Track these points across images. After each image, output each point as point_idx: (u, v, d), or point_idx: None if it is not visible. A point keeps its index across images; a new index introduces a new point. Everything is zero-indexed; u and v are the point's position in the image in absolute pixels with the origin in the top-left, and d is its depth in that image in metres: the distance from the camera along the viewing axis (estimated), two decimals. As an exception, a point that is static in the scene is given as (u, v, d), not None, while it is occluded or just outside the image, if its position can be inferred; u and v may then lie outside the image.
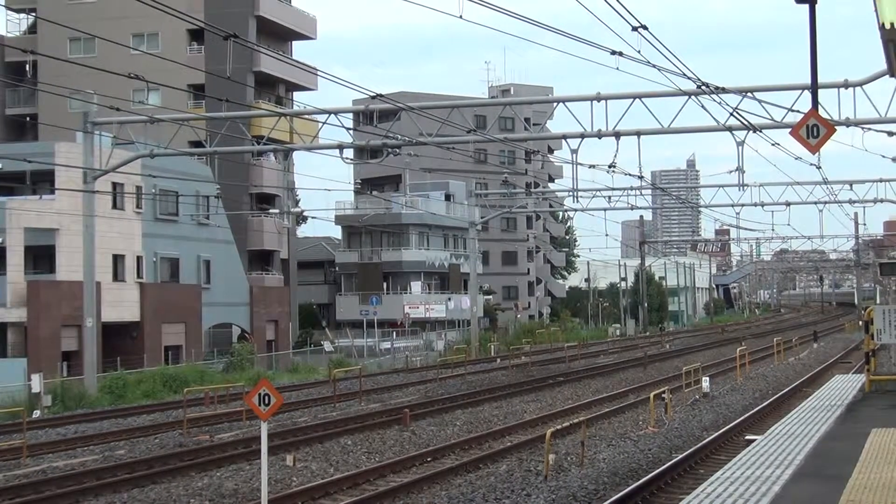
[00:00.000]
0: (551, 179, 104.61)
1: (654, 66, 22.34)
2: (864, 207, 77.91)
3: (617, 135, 33.48)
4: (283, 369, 51.90)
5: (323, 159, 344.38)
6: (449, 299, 78.06)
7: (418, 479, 18.95)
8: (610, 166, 36.03)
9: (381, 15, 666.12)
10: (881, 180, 53.86)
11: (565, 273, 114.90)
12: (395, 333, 65.92)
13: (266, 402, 14.76)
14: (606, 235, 73.36)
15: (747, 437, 21.54)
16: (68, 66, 43.75)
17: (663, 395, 27.74)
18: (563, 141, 36.30)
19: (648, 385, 36.86)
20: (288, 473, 20.02)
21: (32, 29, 68.80)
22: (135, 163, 41.75)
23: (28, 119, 62.43)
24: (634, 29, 19.22)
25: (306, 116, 45.23)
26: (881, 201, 55.46)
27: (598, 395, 34.22)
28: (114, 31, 54.23)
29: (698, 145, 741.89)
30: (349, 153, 43.03)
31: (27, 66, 38.73)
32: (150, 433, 27.03)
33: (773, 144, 32.92)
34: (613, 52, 22.72)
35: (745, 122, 31.26)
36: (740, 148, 34.37)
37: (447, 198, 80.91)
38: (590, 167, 40.21)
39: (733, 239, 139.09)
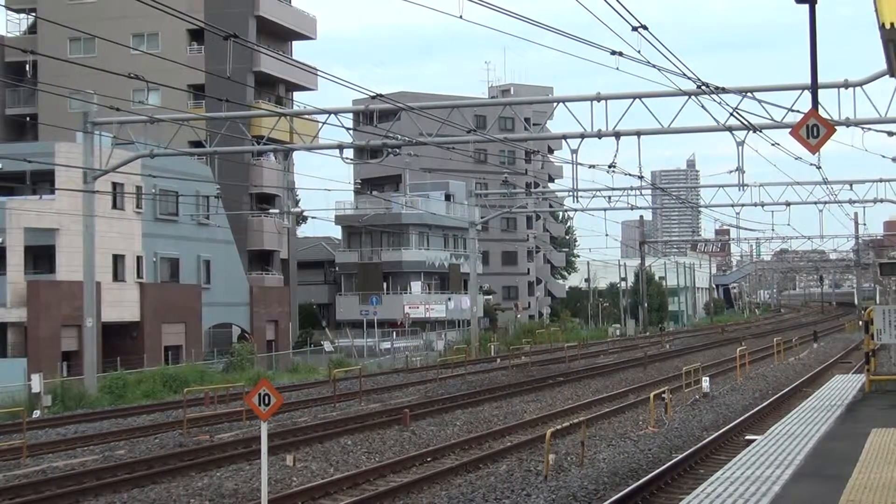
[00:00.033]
0: (551, 179, 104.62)
1: (654, 66, 22.36)
2: (864, 207, 78.04)
3: (617, 135, 33.48)
4: (283, 369, 51.90)
5: (323, 159, 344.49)
6: (449, 299, 78.06)
7: (418, 479, 18.95)
8: (610, 166, 36.04)
9: (381, 15, 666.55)
10: (881, 180, 53.91)
11: (565, 273, 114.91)
12: (395, 333, 65.93)
13: (266, 402, 14.76)
14: (606, 235, 73.43)
15: (747, 437, 21.54)
16: (68, 66, 43.76)
17: (663, 395, 27.74)
18: (563, 141, 36.31)
19: (648, 385, 36.86)
20: (288, 473, 20.02)
21: (32, 29, 68.80)
22: (135, 163, 41.75)
23: (28, 119, 62.43)
24: (634, 29, 19.22)
25: (306, 116, 45.23)
26: (881, 201, 55.49)
27: (598, 395, 34.22)
28: (114, 31, 54.24)
29: (698, 145, 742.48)
30: (349, 153, 43.04)
31: (27, 66, 38.70)
32: (150, 433, 27.03)
33: (773, 144, 32.97)
34: (613, 52, 22.72)
35: (745, 122, 31.26)
36: (740, 148, 34.41)
37: (447, 198, 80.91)
38: (590, 167, 40.24)
39: (733, 239, 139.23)
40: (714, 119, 32.39)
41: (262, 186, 66.04)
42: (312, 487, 18.30)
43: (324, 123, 35.65)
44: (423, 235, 77.98)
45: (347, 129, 35.66)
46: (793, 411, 20.63)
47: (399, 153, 40.09)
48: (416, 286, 76.18)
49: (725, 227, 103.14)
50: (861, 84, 30.01)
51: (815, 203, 57.35)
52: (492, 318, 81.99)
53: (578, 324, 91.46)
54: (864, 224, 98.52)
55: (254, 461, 20.66)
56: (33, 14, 63.78)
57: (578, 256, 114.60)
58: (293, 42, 73.03)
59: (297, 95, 71.89)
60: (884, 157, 46.04)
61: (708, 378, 33.93)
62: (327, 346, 59.41)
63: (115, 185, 47.09)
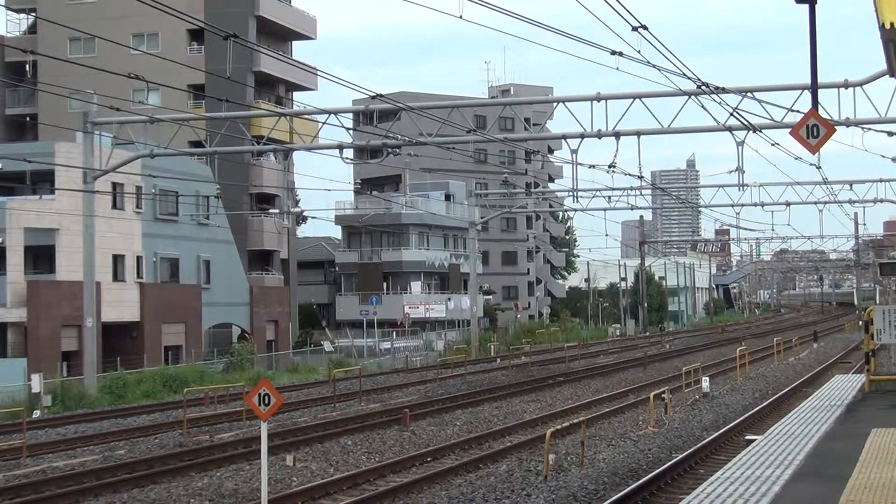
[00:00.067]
0: (551, 179, 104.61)
1: (654, 66, 22.36)
2: (864, 207, 78.02)
3: (617, 135, 33.48)
4: (283, 369, 51.90)
5: (323, 159, 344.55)
6: (449, 299, 78.06)
7: (418, 479, 18.95)
8: (610, 166, 36.03)
9: (381, 15, 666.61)
10: (881, 180, 53.89)
11: (565, 273, 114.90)
12: (395, 333, 65.92)
13: (266, 402, 14.76)
14: (606, 235, 73.46)
15: (747, 437, 21.53)
16: (68, 66, 43.76)
17: (663, 395, 27.74)
18: (563, 141, 36.30)
19: (648, 385, 36.87)
20: (288, 473, 20.03)
21: (32, 29, 68.80)
22: (135, 163, 41.75)
23: (28, 119, 62.43)
24: (634, 29, 19.22)
25: (306, 116, 45.22)
26: (881, 201, 55.48)
27: (598, 395, 34.22)
28: (114, 31, 54.24)
29: (698, 145, 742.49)
30: (349, 153, 43.06)
31: (27, 66, 38.73)
32: (150, 433, 27.03)
33: (773, 144, 32.97)
34: (613, 52, 22.72)
35: (745, 122, 31.26)
36: (740, 148, 34.40)
37: (447, 198, 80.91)
38: (590, 167, 40.24)
39: (733, 239, 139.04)
40: (714, 119, 32.42)
41: (262, 186, 66.04)
42: (312, 487, 18.30)
43: (324, 123, 35.68)
44: (423, 235, 77.98)
45: (347, 129, 35.67)
46: (793, 411, 20.63)
47: (399, 153, 40.08)
48: (416, 286, 76.19)
49: (725, 227, 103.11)
50: (861, 84, 30.01)
51: (815, 203, 57.36)
52: (492, 318, 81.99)
53: (578, 324, 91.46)
54: (864, 224, 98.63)
55: (254, 461, 20.66)
56: (33, 14, 63.78)
57: (578, 256, 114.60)
58: (293, 42, 73.04)
59: (297, 95, 71.96)
60: (884, 157, 46.08)
61: (708, 378, 33.93)
62: (327, 346, 59.40)
63: (115, 185, 47.10)
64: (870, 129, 32.75)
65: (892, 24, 11.27)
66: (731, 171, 40.90)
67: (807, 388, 33.90)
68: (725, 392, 33.41)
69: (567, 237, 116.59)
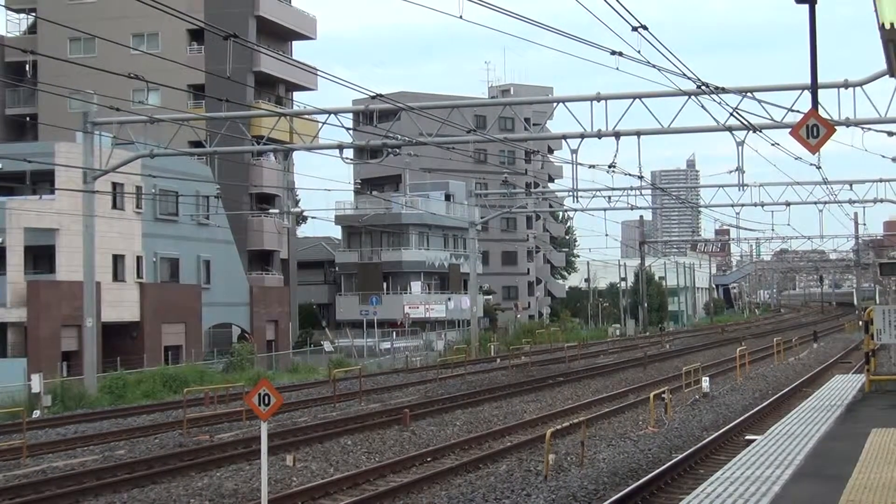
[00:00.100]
0: (551, 179, 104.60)
1: (654, 66, 22.35)
2: (864, 207, 77.97)
3: (617, 135, 33.48)
4: (283, 369, 51.90)
5: (323, 159, 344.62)
6: (449, 299, 78.06)
7: (418, 479, 18.95)
8: (610, 166, 36.03)
9: (381, 15, 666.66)
10: (881, 180, 53.89)
11: (565, 273, 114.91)
12: (395, 333, 65.92)
13: (266, 402, 14.76)
14: (606, 235, 73.49)
15: (747, 437, 21.54)
16: (68, 66, 43.75)
17: (663, 395, 27.74)
18: (563, 141, 36.30)
19: (648, 385, 36.87)
20: (288, 473, 20.03)
21: (32, 29, 68.80)
22: (135, 163, 41.75)
23: (28, 119, 62.43)
24: (634, 29, 19.21)
25: (306, 116, 45.22)
26: (881, 201, 55.47)
27: (598, 395, 34.22)
28: (114, 31, 54.23)
29: (698, 145, 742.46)
30: (349, 153, 43.05)
31: (27, 66, 38.70)
32: (150, 433, 27.03)
33: (773, 144, 32.96)
34: (613, 52, 22.71)
35: (745, 122, 31.26)
36: (740, 148, 34.39)
37: (447, 198, 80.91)
38: (590, 167, 40.24)
39: (733, 239, 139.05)
40: (714, 119, 32.41)
41: (262, 186, 66.04)
42: (312, 487, 18.30)
43: (324, 123, 35.68)
44: (423, 235, 77.99)
45: (347, 129, 35.67)
46: (793, 411, 20.63)
47: (399, 153, 40.07)
48: (416, 286, 76.18)
49: (725, 227, 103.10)
50: (861, 84, 30.01)
51: (815, 203, 57.35)
52: (492, 318, 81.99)
53: (578, 324, 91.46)
54: (864, 224, 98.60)
55: (254, 461, 20.66)
56: (33, 14, 63.78)
57: (578, 256, 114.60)
58: (293, 42, 73.04)
59: (297, 95, 71.96)
60: (884, 157, 46.08)
61: (708, 378, 33.93)
62: (327, 346, 59.40)
63: (115, 185, 47.10)
64: (870, 129, 32.76)
65: (892, 24, 11.27)
66: (731, 171, 40.94)
67: (807, 388, 33.90)
68: (725, 392, 33.41)
69: (567, 237, 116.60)
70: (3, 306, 43.95)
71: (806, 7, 14.10)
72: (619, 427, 25.84)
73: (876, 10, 11.43)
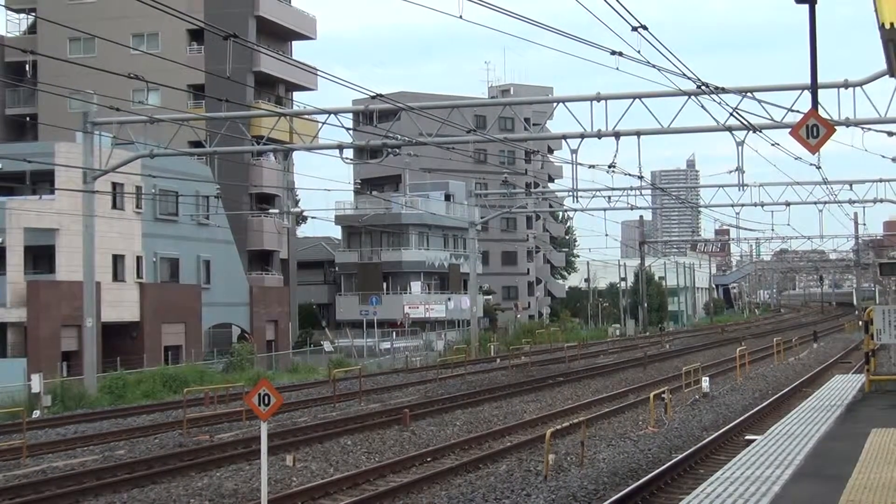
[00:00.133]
0: (551, 179, 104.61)
1: (654, 66, 22.35)
2: (863, 207, 77.93)
3: (617, 135, 33.48)
4: (283, 369, 51.90)
5: (323, 159, 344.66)
6: (449, 299, 78.06)
7: (418, 479, 18.95)
8: (610, 166, 36.02)
9: (381, 15, 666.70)
10: (881, 180, 53.89)
11: (565, 273, 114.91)
12: (394, 333, 65.92)
13: (266, 402, 14.76)
14: (606, 235, 73.53)
15: (747, 437, 21.54)
16: (68, 66, 43.75)
17: (663, 395, 27.74)
18: (563, 141, 36.29)
19: (648, 385, 36.87)
20: (288, 473, 20.03)
21: (32, 29, 68.80)
22: (135, 163, 41.74)
23: (28, 119, 62.43)
24: (634, 29, 19.21)
25: (306, 116, 45.22)
26: (881, 201, 55.46)
27: (597, 395, 34.22)
28: (114, 31, 54.23)
29: (698, 145, 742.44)
30: (349, 153, 43.05)
31: (27, 66, 38.75)
32: (150, 433, 27.03)
33: (772, 144, 32.98)
34: (613, 52, 22.71)
35: (745, 122, 31.26)
36: (740, 148, 34.39)
37: (447, 198, 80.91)
38: (590, 167, 40.23)
39: (733, 239, 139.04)
40: (714, 119, 32.42)
41: (261, 186, 66.04)
42: (312, 487, 18.30)
43: (324, 123, 35.69)
44: (423, 235, 77.98)
45: (347, 129, 35.67)
46: (793, 411, 20.63)
47: (399, 153, 40.09)
48: (415, 286, 76.19)
49: (725, 227, 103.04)
50: (861, 84, 30.01)
51: (815, 203, 57.35)
52: (492, 318, 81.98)
53: (578, 324, 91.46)
54: (864, 224, 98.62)
55: (254, 461, 20.66)
56: (33, 14, 63.80)
57: (578, 256, 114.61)
58: (293, 42, 73.03)
59: (296, 95, 71.96)
60: (884, 157, 46.05)
61: (708, 378, 33.93)
62: (327, 346, 59.40)
63: (114, 185, 47.09)
64: (870, 129, 32.77)
65: (892, 24, 11.27)
66: (731, 171, 40.96)
67: (807, 388, 33.89)
68: (725, 392, 33.41)
69: (567, 237, 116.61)
70: (3, 306, 43.95)
71: (806, 7, 14.10)
72: (619, 427, 25.84)
73: (876, 10, 11.43)
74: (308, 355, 56.96)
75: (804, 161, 41.25)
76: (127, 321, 48.72)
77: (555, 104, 36.11)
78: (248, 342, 52.72)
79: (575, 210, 69.03)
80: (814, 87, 15.05)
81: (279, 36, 69.28)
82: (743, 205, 55.67)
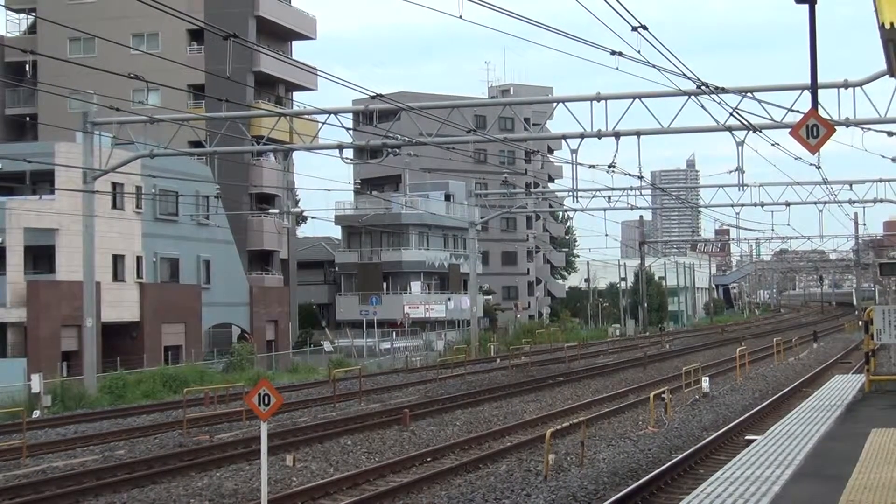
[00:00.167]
0: (551, 179, 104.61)
1: (653, 66, 22.35)
2: (863, 207, 77.86)
3: (617, 135, 33.48)
4: (283, 369, 51.90)
5: (323, 159, 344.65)
6: (449, 299, 78.06)
7: (418, 479, 18.95)
8: (610, 166, 36.02)
9: (381, 15, 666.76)
10: (881, 180, 53.88)
11: (565, 273, 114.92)
12: (394, 333, 65.92)
13: (266, 402, 14.76)
14: (606, 235, 73.56)
15: (747, 437, 21.54)
16: (68, 66, 43.75)
17: (663, 395, 27.74)
18: (563, 141, 36.29)
19: (648, 385, 36.87)
20: (288, 473, 20.03)
21: (32, 29, 68.81)
22: (135, 163, 41.75)
23: (28, 119, 62.44)
24: (634, 29, 19.21)
25: (306, 116, 45.22)
26: (881, 201, 55.45)
27: (597, 396, 34.22)
28: (114, 31, 54.24)
29: (698, 145, 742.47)
30: (349, 153, 43.07)
31: (27, 66, 38.79)
32: (150, 433, 27.03)
33: (772, 144, 32.97)
34: (613, 52, 22.71)
35: (745, 122, 31.26)
36: (740, 148, 34.39)
37: (447, 198, 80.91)
38: (590, 167, 40.23)
39: (733, 239, 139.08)
40: (714, 119, 32.41)
41: (261, 186, 66.04)
42: (312, 487, 18.30)
43: (324, 123, 35.69)
44: (423, 235, 77.99)
45: (347, 129, 35.67)
46: (793, 411, 20.63)
47: (399, 153, 40.09)
48: (415, 286, 76.18)
49: (725, 227, 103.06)
50: (861, 84, 30.01)
51: (815, 203, 57.35)
52: (492, 318, 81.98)
53: (578, 324, 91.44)
54: (864, 224, 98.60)
55: (254, 461, 20.66)
56: (33, 14, 63.80)
57: (578, 256, 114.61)
58: (293, 42, 73.04)
59: (296, 95, 71.96)
60: (884, 157, 46.03)
61: (708, 378, 33.93)
62: (327, 346, 59.40)
63: (114, 185, 47.09)
64: (870, 129, 32.76)
65: (892, 24, 11.27)
66: (731, 171, 40.95)
67: (807, 388, 33.89)
68: (725, 392, 33.41)
69: (567, 237, 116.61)
70: (3, 306, 43.95)
71: (806, 7, 14.09)
72: (619, 427, 25.84)
73: (876, 10, 11.43)
74: (308, 355, 56.96)
75: (804, 161, 41.29)
76: (127, 321, 48.72)
77: (555, 104, 36.10)
78: (248, 342, 52.72)
79: (575, 210, 69.11)
80: (814, 87, 15.05)
81: (279, 36, 69.29)
82: (743, 205, 55.73)
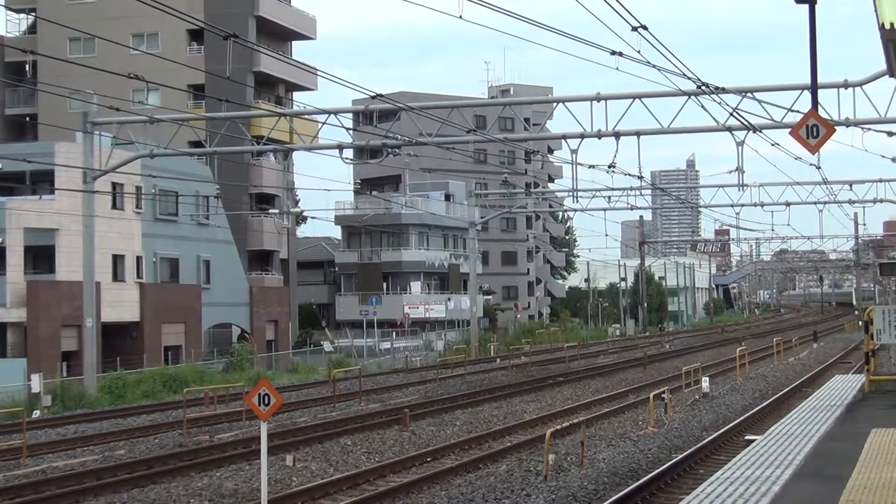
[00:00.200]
0: (551, 179, 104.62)
1: (653, 66, 22.34)
2: (863, 207, 77.83)
3: (617, 135, 33.48)
4: (283, 369, 51.90)
5: (323, 159, 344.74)
6: (449, 299, 78.06)
7: (418, 479, 18.95)
8: (610, 166, 36.01)
9: (381, 15, 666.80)
10: (881, 180, 53.87)
11: (565, 273, 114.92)
12: (394, 333, 65.91)
13: (266, 402, 14.76)
14: (606, 235, 73.53)
15: (747, 438, 21.53)
16: (68, 66, 43.76)
17: (663, 396, 27.74)
18: (563, 141, 36.29)
19: (648, 385, 36.86)
20: (288, 473, 20.03)
21: (32, 29, 68.81)
22: (135, 163, 41.75)
23: (28, 119, 62.44)
24: (634, 29, 19.20)
25: (306, 116, 45.21)
26: (881, 201, 55.44)
27: (597, 396, 34.22)
28: (114, 31, 54.24)
29: (698, 145, 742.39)
30: (349, 153, 43.08)
31: (27, 66, 38.81)
32: (150, 433, 27.03)
33: (772, 144, 32.96)
34: (613, 52, 22.71)
35: (745, 122, 31.25)
36: (740, 148, 34.39)
37: (447, 198, 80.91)
38: (590, 167, 40.23)
39: (733, 239, 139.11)
40: (714, 119, 32.41)
41: (261, 186, 66.04)
42: (312, 487, 18.30)
43: (324, 123, 35.68)
44: (423, 235, 77.99)
45: (347, 129, 35.67)
46: (792, 411, 20.63)
47: (399, 153, 40.10)
48: (415, 286, 76.18)
49: (725, 228, 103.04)
50: (861, 84, 30.01)
51: (815, 203, 57.34)
52: (491, 318, 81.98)
53: (578, 324, 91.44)
54: (864, 224, 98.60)
55: (254, 461, 20.66)
56: (33, 14, 63.80)
57: (578, 256, 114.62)
58: (293, 42, 73.03)
59: (296, 95, 71.96)
60: (884, 157, 45.95)
61: (708, 378, 33.92)
62: (327, 346, 59.40)
63: (114, 185, 47.09)
64: (869, 129, 32.76)
65: (892, 24, 11.27)
66: (730, 171, 40.95)
67: (807, 388, 33.89)
68: (725, 392, 33.41)
69: (567, 237, 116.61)
70: (3, 306, 43.95)
71: (806, 7, 14.09)
72: (619, 427, 25.84)
73: (876, 10, 11.43)
74: (308, 355, 56.96)
75: (804, 161, 41.28)
76: (127, 321, 48.72)
77: (555, 104, 36.10)
78: (248, 342, 52.72)
79: (575, 210, 69.11)
80: (814, 87, 15.05)
81: (279, 36, 69.28)
82: (743, 205, 55.72)
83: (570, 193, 53.29)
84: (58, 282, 45.08)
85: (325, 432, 25.55)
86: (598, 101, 32.92)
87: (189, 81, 59.16)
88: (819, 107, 15.51)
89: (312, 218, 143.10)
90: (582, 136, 34.04)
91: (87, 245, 37.98)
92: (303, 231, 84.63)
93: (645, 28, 19.28)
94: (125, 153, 39.50)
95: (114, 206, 47.94)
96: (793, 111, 29.53)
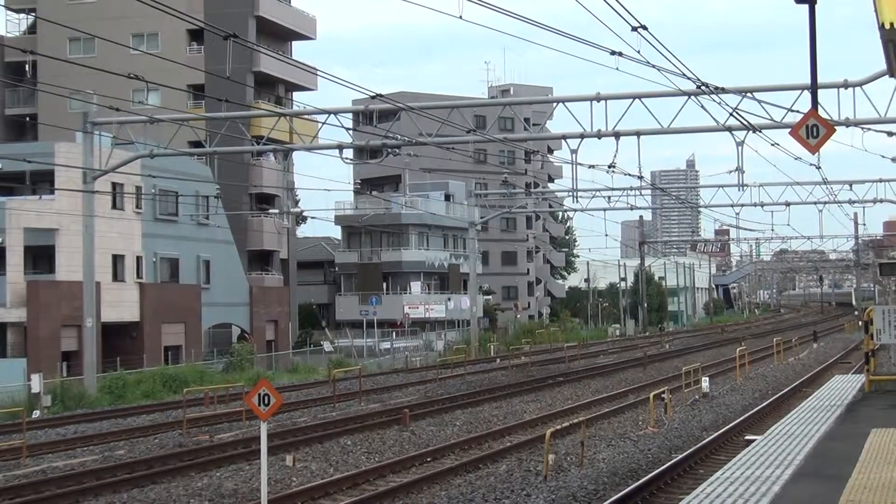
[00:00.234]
0: (551, 179, 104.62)
1: (653, 66, 22.34)
2: (863, 207, 77.83)
3: (617, 135, 33.48)
4: (283, 369, 51.90)
5: (323, 159, 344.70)
6: (449, 299, 78.05)
7: (418, 479, 18.95)
8: (610, 166, 36.02)
9: (381, 15, 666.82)
10: (881, 180, 53.87)
11: (565, 273, 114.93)
12: (394, 333, 65.91)
13: (266, 402, 14.76)
14: (606, 235, 73.62)
15: (747, 438, 21.53)
16: (68, 66, 43.76)
17: (663, 396, 27.74)
18: (563, 141, 36.30)
19: (648, 385, 36.86)
20: (288, 473, 20.03)
21: (32, 29, 68.80)
22: (134, 163, 41.75)
23: (28, 119, 62.43)
24: (634, 29, 19.20)
25: (306, 116, 45.21)
26: (881, 201, 55.44)
27: (597, 396, 34.22)
28: (114, 31, 54.24)
29: (698, 145, 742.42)
30: (349, 153, 43.07)
31: (27, 66, 38.81)
32: (150, 433, 27.03)
33: (772, 144, 32.98)
34: (613, 53, 22.71)
35: (745, 123, 31.26)
36: (740, 148, 34.39)
37: (447, 198, 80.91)
38: (589, 167, 40.23)
39: (733, 239, 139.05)
40: (714, 119, 32.41)
41: (261, 186, 66.03)
42: (312, 487, 18.30)
43: (324, 123, 35.68)
44: (423, 235, 77.98)
45: (347, 129, 35.68)
46: (792, 411, 20.63)
47: (399, 153, 40.10)
48: (415, 286, 76.18)
49: (725, 227, 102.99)
50: (861, 84, 30.01)
51: (815, 203, 57.33)
52: (491, 318, 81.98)
53: (578, 324, 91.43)
54: (864, 224, 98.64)
55: (253, 461, 20.66)
56: (33, 14, 63.79)
57: (578, 256, 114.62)
58: (293, 42, 73.03)
59: (296, 95, 71.95)
60: (883, 157, 45.95)
61: (707, 378, 33.92)
62: (327, 346, 59.39)
63: (114, 185, 47.09)
64: (869, 129, 32.76)
65: (891, 24, 11.26)
66: (730, 171, 40.96)
67: (807, 388, 33.89)
68: (725, 392, 33.41)
69: (567, 237, 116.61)
70: (3, 306, 43.95)
71: (806, 7, 14.09)
72: (619, 427, 25.84)
73: (876, 10, 11.42)
74: (308, 355, 56.96)
75: (804, 161, 41.30)
76: (127, 321, 48.72)
77: (555, 104, 36.10)
78: (247, 342, 52.72)
79: (575, 210, 69.13)
80: (814, 87, 15.05)
81: (279, 36, 69.28)
82: (743, 205, 55.72)
83: (570, 193, 53.31)
84: (58, 282, 45.08)
85: (324, 432, 25.55)
86: (598, 101, 32.93)
87: (189, 81, 59.16)
88: (819, 107, 15.51)
89: (312, 218, 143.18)
90: (582, 136, 34.05)
91: (86, 245, 37.99)
92: (303, 231, 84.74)
93: (645, 28, 19.28)
94: (125, 153, 39.50)
95: (114, 206, 47.94)
96: (793, 111, 29.56)
